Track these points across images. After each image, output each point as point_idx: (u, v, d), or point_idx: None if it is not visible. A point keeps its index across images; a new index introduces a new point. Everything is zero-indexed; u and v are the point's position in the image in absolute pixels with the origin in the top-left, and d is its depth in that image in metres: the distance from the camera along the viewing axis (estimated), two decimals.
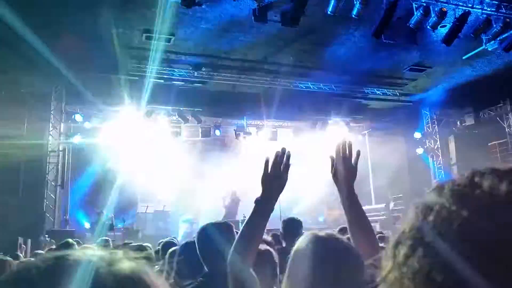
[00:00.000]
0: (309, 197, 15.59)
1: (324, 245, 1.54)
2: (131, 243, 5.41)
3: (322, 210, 14.52)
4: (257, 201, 1.81)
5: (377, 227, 13.58)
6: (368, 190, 16.53)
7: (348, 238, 1.82)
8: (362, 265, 1.49)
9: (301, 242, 1.60)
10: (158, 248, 4.59)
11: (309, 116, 15.11)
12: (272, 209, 1.83)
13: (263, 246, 2.89)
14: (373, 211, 14.93)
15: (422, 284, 0.51)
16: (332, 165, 1.91)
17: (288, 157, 1.84)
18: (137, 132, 13.97)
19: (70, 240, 4.95)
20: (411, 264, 0.53)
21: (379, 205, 15.08)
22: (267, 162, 1.81)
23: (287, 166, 1.84)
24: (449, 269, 0.49)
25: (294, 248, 1.61)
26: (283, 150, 1.84)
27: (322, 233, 1.62)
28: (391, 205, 14.30)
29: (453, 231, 0.51)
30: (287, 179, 1.84)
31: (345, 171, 1.87)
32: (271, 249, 2.65)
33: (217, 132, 14.77)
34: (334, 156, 1.90)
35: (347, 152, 1.89)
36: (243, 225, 1.85)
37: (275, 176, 1.83)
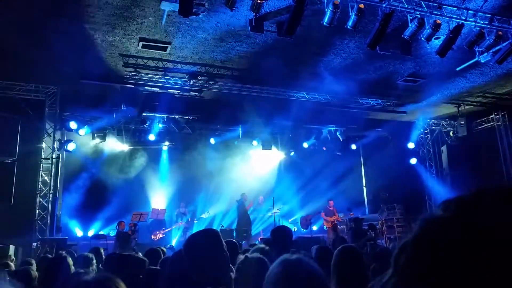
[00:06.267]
0: (304, 205, 15.58)
1: (291, 269, 1.64)
2: (123, 252, 5.36)
3: (317, 218, 14.49)
4: None
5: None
6: (361, 199, 16.56)
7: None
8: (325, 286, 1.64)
9: (273, 265, 1.70)
10: None
11: (304, 125, 15.15)
12: None
13: (256, 255, 2.90)
14: (366, 221, 14.93)
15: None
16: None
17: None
18: (132, 139, 13.94)
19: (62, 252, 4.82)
20: (410, 270, 0.56)
21: (372, 215, 15.10)
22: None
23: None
24: (443, 276, 0.52)
25: (268, 272, 1.70)
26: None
27: (292, 257, 1.72)
28: (385, 214, 14.32)
29: (454, 245, 0.53)
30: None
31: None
32: (265, 258, 2.66)
33: (212, 141, 14.76)
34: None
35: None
36: None
37: None
